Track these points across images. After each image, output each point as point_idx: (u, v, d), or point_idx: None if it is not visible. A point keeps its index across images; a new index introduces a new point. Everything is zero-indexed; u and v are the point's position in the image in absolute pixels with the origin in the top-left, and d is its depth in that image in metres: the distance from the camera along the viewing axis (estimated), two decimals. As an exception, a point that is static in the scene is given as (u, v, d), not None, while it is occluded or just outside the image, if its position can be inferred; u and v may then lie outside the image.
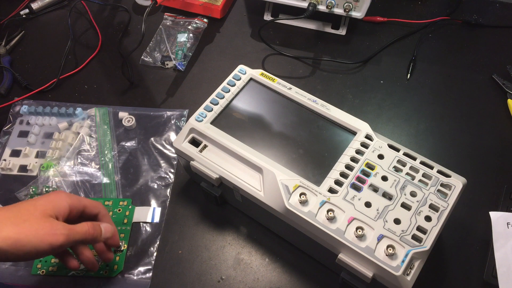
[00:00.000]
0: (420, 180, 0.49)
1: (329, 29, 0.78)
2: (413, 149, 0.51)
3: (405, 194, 0.47)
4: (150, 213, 0.58)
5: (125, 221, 0.57)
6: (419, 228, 0.45)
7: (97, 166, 0.62)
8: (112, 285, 0.53)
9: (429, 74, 0.73)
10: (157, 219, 0.58)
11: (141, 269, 0.54)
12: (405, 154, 0.51)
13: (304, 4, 0.72)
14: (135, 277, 0.54)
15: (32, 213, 0.42)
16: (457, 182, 0.48)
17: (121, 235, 0.56)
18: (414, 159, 0.50)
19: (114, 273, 0.54)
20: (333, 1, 0.70)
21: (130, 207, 0.58)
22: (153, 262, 0.55)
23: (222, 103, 0.55)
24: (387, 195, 0.48)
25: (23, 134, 0.66)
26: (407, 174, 0.49)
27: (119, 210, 0.58)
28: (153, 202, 0.59)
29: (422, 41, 0.77)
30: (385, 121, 0.67)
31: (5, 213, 0.42)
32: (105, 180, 0.61)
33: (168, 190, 0.60)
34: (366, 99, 0.70)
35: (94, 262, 0.49)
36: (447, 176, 0.49)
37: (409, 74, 0.72)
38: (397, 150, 0.51)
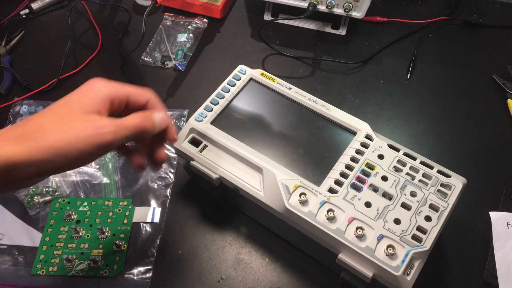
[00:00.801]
0: (420, 180, 0.49)
1: (329, 29, 0.78)
2: (413, 149, 0.51)
3: (405, 194, 0.47)
4: (150, 213, 0.58)
5: (125, 221, 0.57)
6: (419, 228, 0.45)
7: (97, 166, 0.62)
8: (112, 285, 0.53)
9: (429, 74, 0.73)
10: (157, 219, 0.58)
11: (141, 269, 0.54)
12: (405, 154, 0.51)
13: (304, 4, 0.72)
14: (135, 277, 0.54)
15: (69, 114, 0.36)
16: (457, 182, 0.48)
17: (121, 235, 0.56)
18: (414, 159, 0.50)
19: (114, 273, 0.54)
20: (333, 1, 0.70)
21: (130, 207, 0.58)
22: (153, 262, 0.55)
23: (222, 103, 0.55)
24: (387, 195, 0.48)
25: (23, 134, 0.66)
26: (407, 174, 0.49)
27: (119, 210, 0.58)
28: (153, 202, 0.59)
29: (422, 41, 0.77)
30: (385, 121, 0.67)
31: (40, 119, 0.36)
32: (105, 180, 0.61)
33: (168, 190, 0.60)
34: (366, 99, 0.70)
35: (163, 157, 0.43)
36: (447, 176, 0.49)
37: (409, 74, 0.72)
38: (397, 150, 0.51)
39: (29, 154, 0.33)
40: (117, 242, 0.55)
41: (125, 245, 0.55)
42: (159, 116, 0.41)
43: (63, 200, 0.59)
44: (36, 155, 0.33)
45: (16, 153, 0.33)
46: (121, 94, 0.40)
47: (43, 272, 0.54)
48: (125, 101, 0.41)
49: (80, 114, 0.36)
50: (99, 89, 0.39)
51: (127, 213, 0.58)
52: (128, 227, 0.57)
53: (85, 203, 0.59)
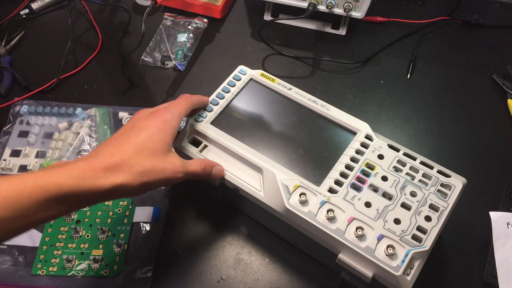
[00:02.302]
0: (420, 180, 0.49)
1: (329, 29, 0.78)
2: (413, 149, 0.51)
3: (405, 194, 0.47)
4: (150, 213, 0.58)
5: (125, 221, 0.57)
6: (419, 228, 0.45)
7: (97, 166, 0.62)
8: (112, 285, 0.53)
9: (429, 74, 0.73)
10: (157, 219, 0.58)
11: (141, 269, 0.54)
12: (405, 154, 0.51)
13: (304, 4, 0.72)
14: (135, 277, 0.54)
15: (155, 153, 0.44)
16: (457, 182, 0.48)
17: (121, 235, 0.56)
18: (414, 159, 0.50)
19: (114, 273, 0.54)
20: (333, 1, 0.70)
21: (130, 207, 0.58)
22: (153, 262, 0.55)
23: (222, 103, 0.55)
24: (387, 195, 0.48)
25: (23, 134, 0.66)
26: (407, 174, 0.49)
27: (119, 210, 0.58)
28: (153, 202, 0.59)
29: (422, 41, 0.77)
30: (385, 121, 0.67)
31: (131, 152, 0.43)
32: (105, 180, 0.61)
33: (168, 190, 0.60)
34: (366, 99, 0.70)
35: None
36: (447, 176, 0.49)
37: (409, 74, 0.72)
38: (397, 150, 0.51)
39: (127, 184, 0.41)
40: (117, 242, 0.55)
41: (125, 245, 0.55)
42: (216, 169, 0.50)
43: None
44: (128, 186, 0.42)
45: (116, 183, 0.41)
46: (183, 117, 0.50)
47: (43, 272, 0.54)
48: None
49: (163, 153, 0.45)
50: (172, 125, 0.47)
51: (127, 213, 0.58)
52: (128, 227, 0.57)
53: None
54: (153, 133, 0.45)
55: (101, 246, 0.55)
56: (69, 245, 0.56)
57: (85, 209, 0.58)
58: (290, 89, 0.57)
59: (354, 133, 0.53)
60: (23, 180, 0.37)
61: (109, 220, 0.57)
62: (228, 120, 0.54)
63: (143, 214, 0.58)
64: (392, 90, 0.71)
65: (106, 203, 0.59)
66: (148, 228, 0.57)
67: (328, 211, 0.46)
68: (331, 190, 0.48)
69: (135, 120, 0.47)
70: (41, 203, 0.37)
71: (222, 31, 0.79)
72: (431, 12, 0.81)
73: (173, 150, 0.47)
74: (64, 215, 0.44)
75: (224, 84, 0.57)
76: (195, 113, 0.54)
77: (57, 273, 0.54)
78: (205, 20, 0.79)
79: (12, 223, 0.36)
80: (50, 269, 0.54)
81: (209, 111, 0.55)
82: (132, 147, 0.43)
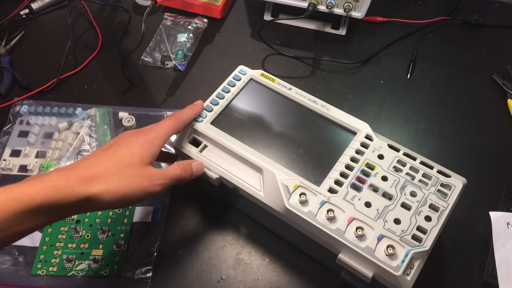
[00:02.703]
0: (420, 180, 0.49)
1: (329, 29, 0.78)
2: (413, 149, 0.51)
3: (405, 194, 0.47)
4: (150, 213, 0.58)
5: (125, 221, 0.57)
6: (419, 228, 0.45)
7: (97, 166, 0.62)
8: (112, 285, 0.53)
9: (429, 74, 0.73)
10: (157, 219, 0.58)
11: (141, 269, 0.54)
12: (405, 154, 0.51)
13: (304, 4, 0.72)
14: (135, 277, 0.54)
15: (132, 165, 0.44)
16: (457, 182, 0.48)
17: (121, 235, 0.56)
18: (414, 159, 0.50)
19: (114, 273, 0.54)
20: (333, 1, 0.70)
21: (130, 207, 0.58)
22: (153, 262, 0.55)
23: (222, 103, 0.55)
24: (387, 195, 0.48)
25: (23, 134, 0.66)
26: (407, 174, 0.49)
27: (119, 210, 0.58)
28: (153, 202, 0.59)
29: (422, 41, 0.77)
30: (385, 121, 0.67)
31: (108, 164, 0.43)
32: (105, 180, 0.61)
33: (168, 190, 0.60)
34: (366, 99, 0.70)
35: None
36: (447, 176, 0.49)
37: (409, 74, 0.72)
38: (397, 150, 0.51)
39: (102, 194, 0.41)
40: (117, 242, 0.55)
41: (125, 245, 0.55)
42: (196, 165, 0.50)
43: None
44: (104, 197, 0.41)
45: (91, 193, 0.40)
46: (170, 136, 0.49)
47: (43, 272, 0.54)
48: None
49: (140, 165, 0.44)
50: (155, 144, 0.46)
51: (127, 213, 0.58)
52: (128, 227, 0.57)
53: None
54: (132, 149, 0.45)
55: (101, 246, 0.55)
56: (69, 245, 0.56)
57: None
58: (290, 89, 0.57)
59: (354, 133, 0.53)
60: None
61: (109, 220, 0.57)
62: (228, 120, 0.54)
63: (143, 214, 0.58)
64: (392, 90, 0.71)
65: None
66: (148, 228, 0.57)
67: (328, 211, 0.46)
68: (331, 190, 0.48)
69: (118, 138, 0.47)
70: (15, 217, 0.37)
71: (222, 31, 0.79)
72: (431, 12, 0.81)
73: (151, 166, 0.46)
74: (41, 228, 0.44)
75: (224, 84, 0.57)
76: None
77: (57, 273, 0.54)
78: (205, 20, 0.79)
79: None
80: (50, 269, 0.54)
81: (209, 111, 0.55)
82: (110, 160, 0.43)
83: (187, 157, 0.53)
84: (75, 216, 0.58)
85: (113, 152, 0.44)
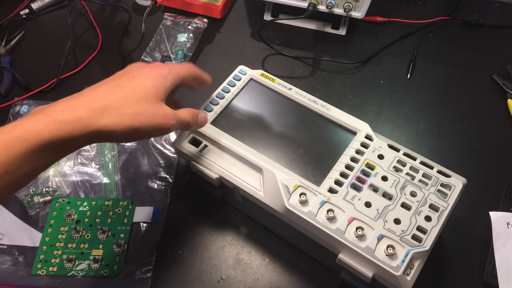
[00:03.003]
0: (420, 180, 0.49)
1: (329, 29, 0.78)
2: (413, 149, 0.51)
3: (405, 194, 0.47)
4: (150, 213, 0.58)
5: (125, 221, 0.57)
6: (419, 228, 0.45)
7: (97, 166, 0.62)
8: (112, 285, 0.53)
9: (429, 74, 0.73)
10: (157, 219, 0.58)
11: (141, 269, 0.54)
12: (405, 154, 0.51)
13: (304, 4, 0.72)
14: (135, 277, 0.54)
15: (147, 99, 0.41)
16: (457, 182, 0.48)
17: (121, 235, 0.56)
18: (414, 159, 0.50)
19: (114, 273, 0.54)
20: (333, 1, 0.70)
21: (130, 207, 0.58)
22: (153, 262, 0.55)
23: (222, 103, 0.55)
24: (387, 195, 0.48)
25: (23, 134, 0.65)
26: (407, 174, 0.49)
27: (119, 210, 0.58)
28: (153, 202, 0.59)
29: (422, 41, 0.77)
30: (385, 121, 0.67)
31: (121, 95, 0.40)
32: (105, 180, 0.61)
33: (168, 190, 0.60)
34: (366, 99, 0.70)
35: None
36: (447, 176, 0.49)
37: (409, 74, 0.72)
38: (397, 150, 0.51)
39: (114, 127, 0.39)
40: (117, 242, 0.55)
41: (125, 245, 0.55)
42: (201, 116, 0.50)
43: (63, 200, 0.59)
44: (117, 129, 0.39)
45: (102, 124, 0.38)
46: (180, 81, 0.46)
47: (43, 272, 0.54)
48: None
49: (155, 100, 0.42)
50: (168, 79, 0.44)
51: (127, 213, 0.58)
52: (128, 227, 0.57)
53: (85, 203, 0.59)
54: (146, 81, 0.42)
55: (101, 246, 0.56)
56: (69, 245, 0.56)
57: (85, 209, 0.58)
58: (290, 89, 0.57)
59: (354, 133, 0.53)
60: None
61: (109, 220, 0.57)
62: (228, 120, 0.54)
63: (143, 214, 0.58)
64: (392, 90, 0.71)
65: (106, 203, 0.59)
66: (148, 228, 0.57)
67: (328, 211, 0.46)
68: (331, 190, 0.48)
69: (130, 69, 0.45)
70: (23, 156, 0.35)
71: (222, 31, 0.79)
72: (431, 12, 0.81)
73: (164, 103, 0.44)
74: (53, 163, 0.41)
75: (224, 84, 0.57)
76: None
77: (57, 273, 0.54)
78: (205, 20, 0.79)
79: None
80: (50, 269, 0.54)
81: (209, 111, 0.55)
82: (123, 91, 0.41)
83: (187, 157, 0.53)
84: (75, 216, 0.58)
85: (125, 82, 0.42)
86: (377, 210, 0.46)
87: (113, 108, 0.39)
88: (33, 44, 0.78)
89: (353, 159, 0.50)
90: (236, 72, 0.58)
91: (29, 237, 0.57)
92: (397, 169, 0.49)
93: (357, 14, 0.71)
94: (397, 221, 0.46)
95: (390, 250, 0.43)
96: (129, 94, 0.41)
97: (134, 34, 0.79)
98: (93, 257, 0.54)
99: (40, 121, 0.36)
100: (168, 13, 0.80)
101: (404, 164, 0.50)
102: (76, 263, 0.54)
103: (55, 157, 0.38)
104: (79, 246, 0.56)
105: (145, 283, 0.53)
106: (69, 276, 0.54)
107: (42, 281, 0.54)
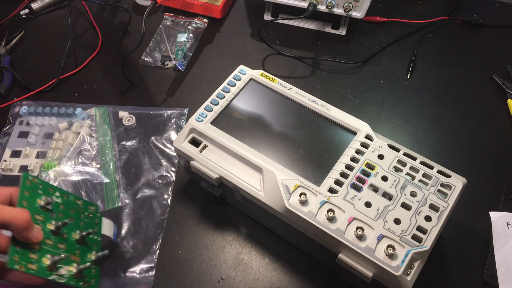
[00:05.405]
0: (420, 180, 0.49)
1: (329, 29, 0.78)
2: (413, 149, 0.51)
3: (405, 194, 0.47)
4: (111, 229, 0.53)
5: (96, 229, 0.50)
6: (419, 228, 0.45)
7: (98, 166, 0.62)
8: (115, 283, 0.53)
9: (429, 74, 0.73)
10: (116, 237, 0.54)
11: (144, 267, 0.54)
12: (405, 154, 0.51)
13: (304, 4, 0.72)
14: (138, 275, 0.54)
15: None
16: (457, 182, 0.48)
17: (94, 245, 0.49)
18: (414, 159, 0.50)
19: (92, 287, 0.47)
20: (333, 1, 0.70)
21: (98, 214, 0.52)
22: (153, 262, 0.55)
23: (222, 103, 0.55)
24: (387, 195, 0.48)
25: (23, 134, 0.66)
26: (407, 174, 0.49)
27: (90, 215, 0.51)
28: (154, 202, 0.59)
29: (422, 41, 0.77)
30: (385, 121, 0.67)
31: None
32: (106, 179, 0.61)
33: (170, 189, 0.60)
34: (366, 99, 0.70)
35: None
36: (447, 176, 0.49)
37: (409, 74, 0.72)
38: (397, 150, 0.51)
39: None
40: (94, 253, 0.49)
41: (93, 255, 0.48)
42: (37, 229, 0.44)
43: (35, 180, 0.47)
44: None
45: None
46: None
47: (22, 268, 0.42)
48: None
49: None
50: None
51: (96, 221, 0.51)
52: (98, 237, 0.50)
53: (57, 193, 0.49)
54: None
55: (77, 252, 0.47)
56: (47, 241, 0.45)
57: (58, 200, 0.48)
58: (290, 89, 0.57)
59: (354, 133, 0.53)
60: None
61: (81, 224, 0.49)
62: (228, 120, 0.54)
63: (106, 228, 0.52)
64: (392, 90, 0.71)
65: (77, 201, 0.50)
66: (150, 226, 0.57)
67: (328, 211, 0.46)
68: (331, 190, 0.48)
69: None
70: None
71: (222, 31, 0.79)
72: (431, 12, 0.81)
73: None
74: None
75: (224, 84, 0.57)
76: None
77: (39, 274, 0.43)
78: (205, 20, 0.79)
79: None
80: (29, 266, 0.42)
81: (209, 111, 0.55)
82: None
83: (187, 157, 0.53)
84: (50, 207, 0.47)
85: None
86: (377, 210, 0.46)
87: None
88: (33, 44, 0.78)
89: (353, 159, 0.50)
90: (236, 72, 0.58)
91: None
92: (397, 169, 0.49)
93: (357, 14, 0.71)
94: (397, 221, 0.46)
95: (390, 250, 0.43)
96: None
97: (134, 34, 0.79)
98: (74, 264, 0.46)
99: None
100: (168, 13, 0.80)
101: (404, 164, 0.50)
102: (57, 266, 0.45)
103: None
104: (56, 245, 0.46)
105: (148, 281, 0.53)
106: (50, 280, 0.44)
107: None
